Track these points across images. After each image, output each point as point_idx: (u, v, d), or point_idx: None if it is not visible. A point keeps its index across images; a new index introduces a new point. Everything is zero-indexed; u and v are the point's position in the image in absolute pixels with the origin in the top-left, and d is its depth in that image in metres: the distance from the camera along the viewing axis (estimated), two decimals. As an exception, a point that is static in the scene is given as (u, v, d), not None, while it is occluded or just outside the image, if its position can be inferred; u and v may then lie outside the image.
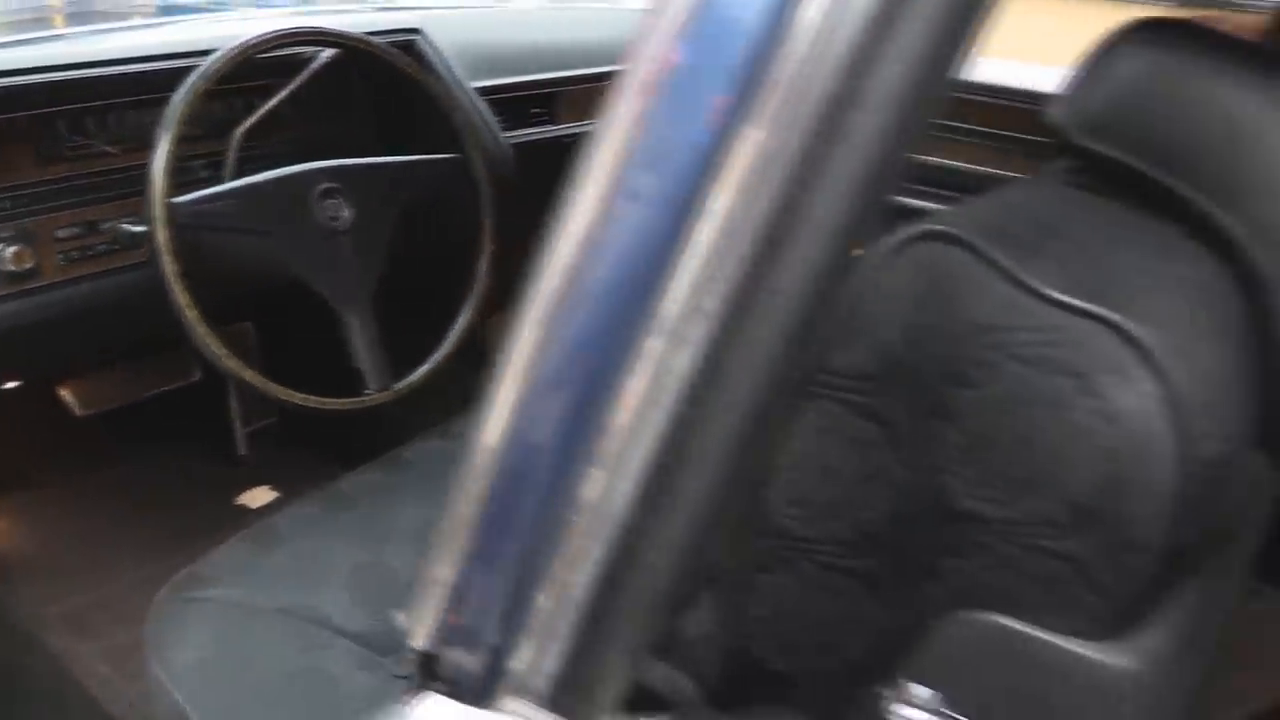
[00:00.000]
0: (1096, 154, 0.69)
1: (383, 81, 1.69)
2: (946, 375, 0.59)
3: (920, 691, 0.46)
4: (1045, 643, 0.62)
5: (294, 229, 1.41)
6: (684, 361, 0.41)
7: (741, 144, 0.40)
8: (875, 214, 0.43)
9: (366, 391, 1.47)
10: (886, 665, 0.67)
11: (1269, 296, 0.65)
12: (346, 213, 1.45)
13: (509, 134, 1.83)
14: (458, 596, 0.48)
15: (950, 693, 0.64)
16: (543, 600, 0.45)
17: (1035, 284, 0.58)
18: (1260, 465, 0.73)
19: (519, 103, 1.90)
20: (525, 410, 0.45)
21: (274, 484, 2.09)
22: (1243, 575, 0.88)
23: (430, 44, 1.76)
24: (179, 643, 1.19)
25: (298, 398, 1.44)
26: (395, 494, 1.38)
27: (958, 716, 0.46)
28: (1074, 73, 0.71)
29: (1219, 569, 0.71)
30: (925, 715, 0.45)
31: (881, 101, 0.40)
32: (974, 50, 0.42)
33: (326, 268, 1.44)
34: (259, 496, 2.06)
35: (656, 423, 0.42)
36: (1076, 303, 0.57)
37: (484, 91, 1.81)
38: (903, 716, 0.45)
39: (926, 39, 0.40)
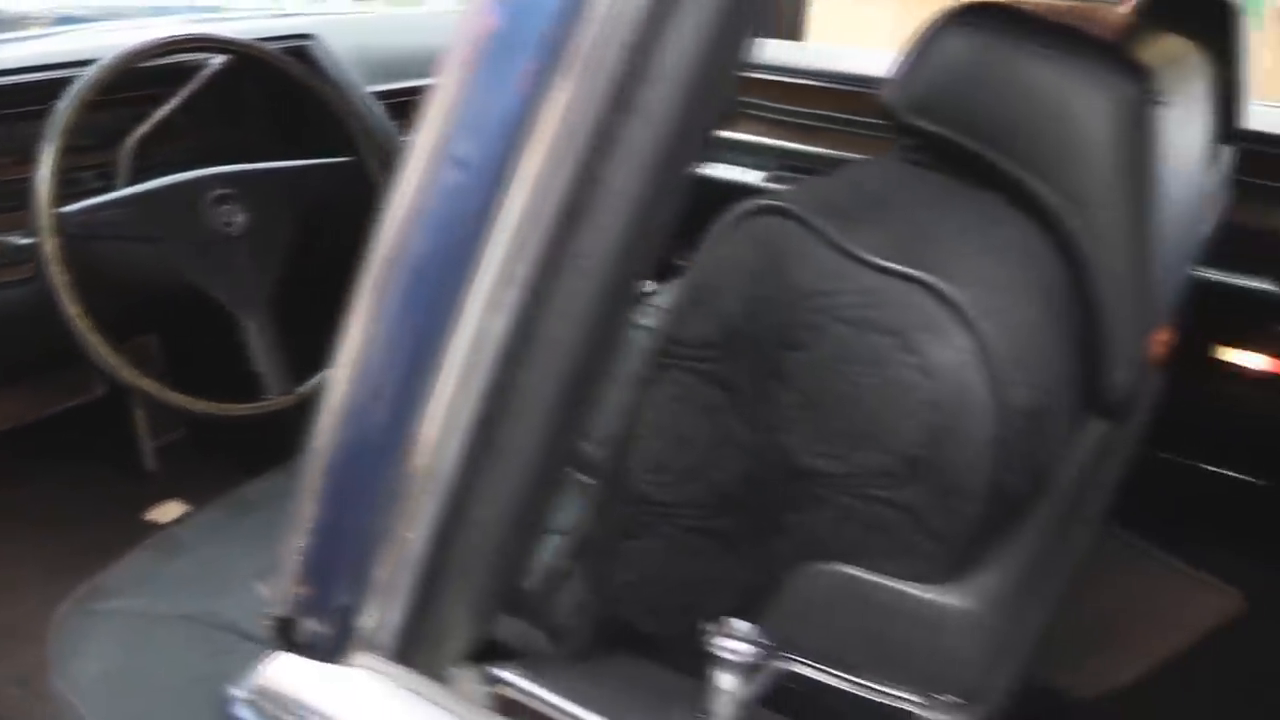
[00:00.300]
0: (925, 132, 0.74)
1: (278, 88, 1.69)
2: (781, 340, 0.63)
3: (739, 625, 0.49)
4: (888, 588, 0.66)
5: (186, 235, 1.41)
6: (500, 326, 0.44)
7: (547, 111, 0.43)
8: (677, 185, 0.46)
9: (267, 396, 1.48)
10: (745, 620, 0.70)
11: (1083, 258, 0.70)
12: (241, 218, 1.46)
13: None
14: (309, 563, 0.50)
15: (804, 639, 0.68)
16: (384, 560, 0.48)
17: (858, 251, 0.62)
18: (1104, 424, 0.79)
19: (417, 106, 1.92)
20: (359, 379, 0.47)
21: (184, 497, 2.07)
22: (1095, 525, 0.93)
23: (324, 49, 1.76)
24: (82, 656, 1.18)
25: (198, 405, 1.44)
26: (299, 497, 1.39)
27: (770, 643, 0.49)
28: (903, 56, 0.76)
29: (1057, 516, 0.76)
30: (744, 646, 0.49)
31: (671, 76, 0.43)
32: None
33: (221, 273, 1.44)
34: (169, 511, 2.04)
35: (478, 386, 0.45)
36: (895, 267, 0.61)
37: (382, 95, 1.82)
38: (725, 648, 0.49)
39: (712, 17, 0.43)
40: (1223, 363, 2.05)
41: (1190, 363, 2.08)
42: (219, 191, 1.46)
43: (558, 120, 0.42)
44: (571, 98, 0.42)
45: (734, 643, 0.49)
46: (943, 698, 0.67)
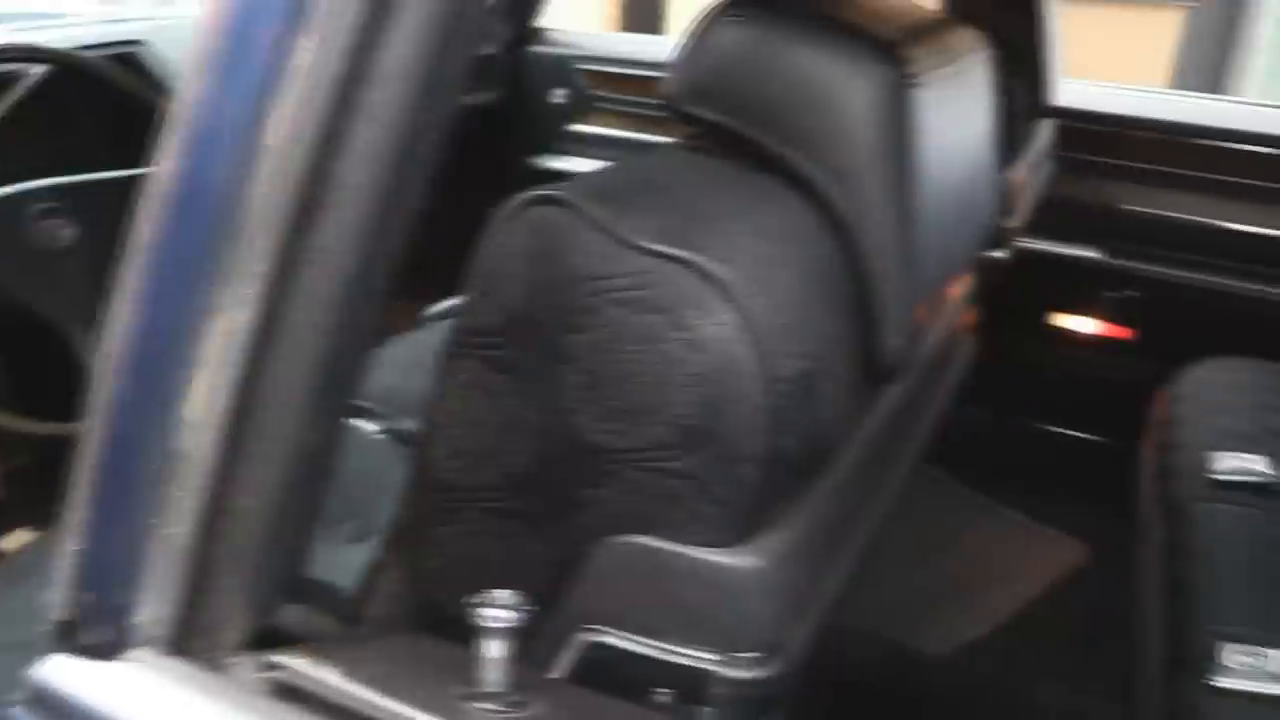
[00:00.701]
0: (704, 119, 0.77)
1: (105, 96, 1.66)
2: (560, 324, 0.66)
3: (500, 593, 0.52)
4: (682, 555, 0.69)
5: (10, 252, 1.37)
6: (246, 318, 0.46)
7: (276, 115, 0.44)
8: (415, 180, 0.48)
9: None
10: (554, 597, 0.73)
11: (851, 233, 0.74)
12: (69, 231, 1.42)
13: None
14: (83, 564, 0.51)
15: (609, 611, 0.71)
16: (152, 555, 0.49)
17: (628, 235, 0.65)
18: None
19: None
20: (119, 373, 0.48)
21: (34, 524, 2.01)
22: (901, 478, 0.98)
23: (154, 55, 1.73)
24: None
25: (44, 428, 1.41)
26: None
27: (530, 607, 0.52)
28: (680, 45, 0.79)
29: (849, 474, 0.80)
30: (506, 613, 0.51)
31: (395, 78, 0.45)
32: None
33: (49, 289, 1.41)
34: (18, 539, 1.97)
35: (229, 378, 0.46)
36: (664, 249, 0.64)
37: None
38: (487, 617, 0.51)
39: (430, 23, 0.45)
40: (1056, 328, 2.16)
41: (1025, 329, 2.19)
42: (44, 205, 1.42)
43: (287, 123, 0.44)
44: (297, 101, 0.44)
45: (495, 610, 0.52)
46: (741, 655, 0.71)
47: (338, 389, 0.49)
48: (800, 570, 0.73)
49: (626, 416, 0.66)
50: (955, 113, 0.89)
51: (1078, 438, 2.21)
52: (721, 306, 0.64)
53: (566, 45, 2.49)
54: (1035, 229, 2.05)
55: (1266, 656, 1.13)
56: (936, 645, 1.74)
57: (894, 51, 0.76)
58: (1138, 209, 2.05)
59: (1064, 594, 1.91)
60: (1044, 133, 1.89)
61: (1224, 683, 1.10)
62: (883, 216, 0.74)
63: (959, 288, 1.21)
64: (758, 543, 0.70)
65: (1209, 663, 1.13)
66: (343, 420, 0.53)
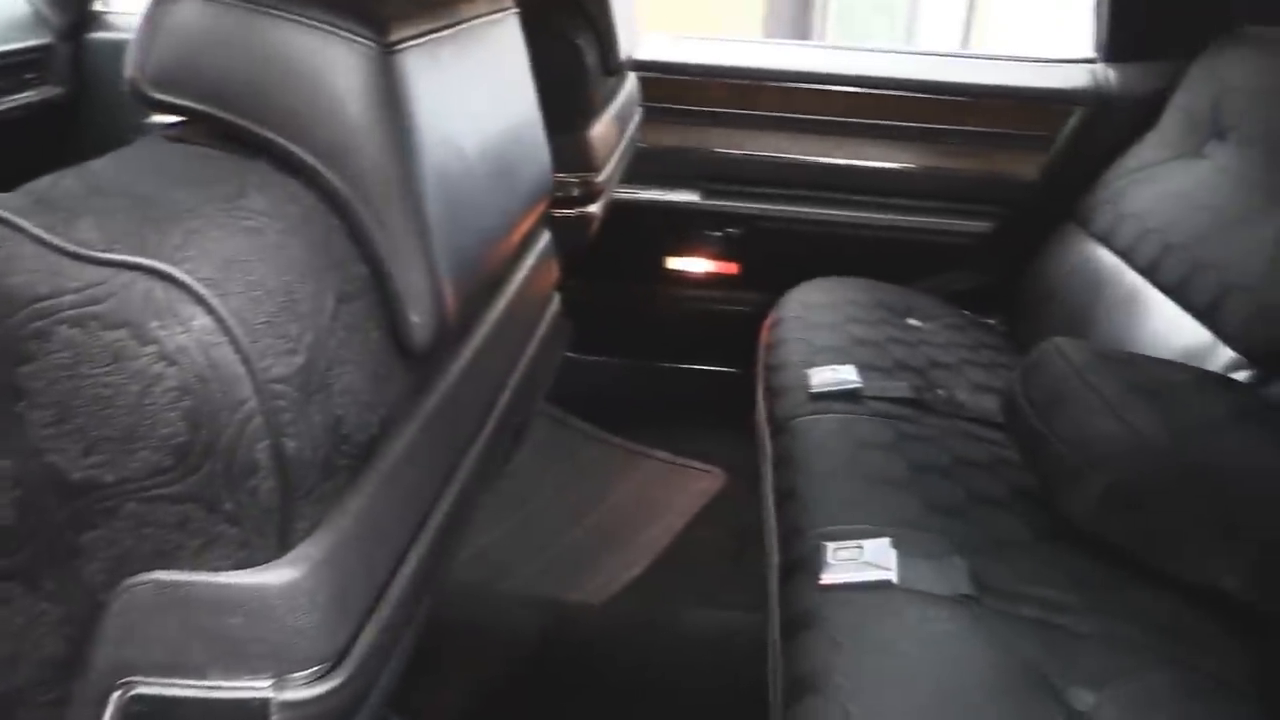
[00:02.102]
0: (175, 106, 0.71)
1: None
2: (9, 355, 0.58)
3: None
4: (206, 583, 0.64)
5: None
6: None
7: None
8: None
9: None
10: (78, 656, 0.65)
11: (351, 213, 0.71)
12: None
13: None
14: None
15: (142, 658, 0.64)
16: None
17: (75, 247, 0.58)
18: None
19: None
20: None
21: None
22: (471, 449, 0.97)
23: None
24: None
25: None
26: None
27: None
28: (138, 27, 0.72)
29: (398, 460, 0.77)
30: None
31: None
32: None
33: None
34: None
35: None
36: (118, 257, 0.58)
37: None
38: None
39: None
40: (671, 270, 2.26)
41: (642, 275, 2.27)
42: None
43: None
44: None
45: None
46: (296, 675, 0.66)
47: None
48: (349, 570, 0.69)
49: (110, 447, 0.59)
50: (465, 76, 0.87)
51: (705, 371, 2.33)
52: (191, 311, 0.58)
53: (131, 29, 2.27)
54: (638, 178, 2.12)
55: (863, 548, 1.23)
56: (594, 594, 1.79)
57: (375, 18, 0.73)
58: (728, 151, 2.17)
59: (708, 521, 2.01)
60: (628, 86, 1.94)
61: (830, 579, 1.19)
62: (384, 191, 0.71)
63: (530, 247, 1.21)
64: (293, 553, 0.66)
65: (817, 562, 1.21)
66: None
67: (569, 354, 2.22)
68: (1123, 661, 1.12)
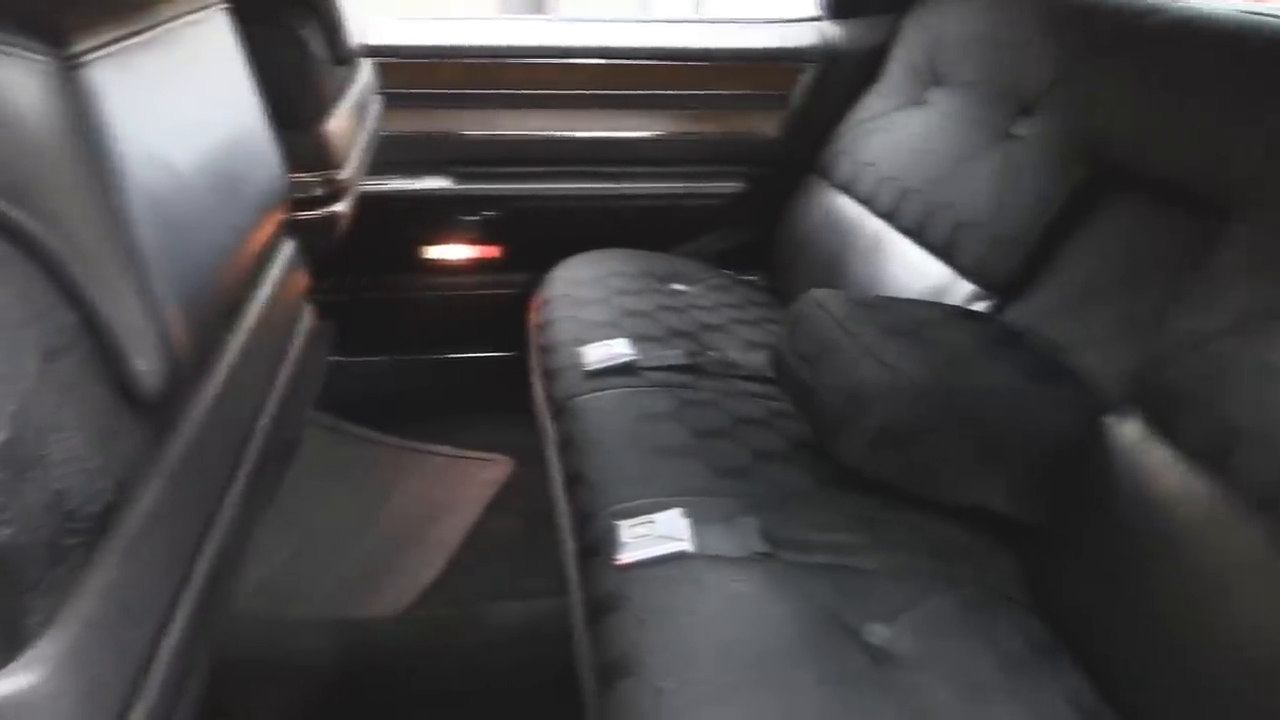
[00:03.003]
0: None
1: None
2: None
3: None
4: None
5: None
6: None
7: None
8: None
9: None
10: None
11: (46, 254, 0.63)
12: None
13: None
14: None
15: None
16: None
17: None
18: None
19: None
20: None
21: None
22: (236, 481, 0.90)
23: None
24: None
25: None
26: None
27: None
28: None
29: (141, 519, 0.69)
30: None
31: None
32: None
33: None
34: None
35: None
36: None
37: None
38: None
39: None
40: (434, 260, 2.19)
41: (404, 268, 2.20)
42: None
43: None
44: None
45: None
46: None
47: None
48: (99, 661, 0.62)
49: None
50: (169, 84, 0.79)
51: (479, 358, 2.28)
52: None
53: None
54: (386, 169, 2.04)
55: (654, 522, 1.23)
56: (391, 605, 1.72)
57: (50, 29, 0.64)
58: (476, 133, 2.12)
59: (499, 510, 1.98)
60: (363, 74, 1.85)
61: (627, 558, 1.18)
62: (85, 225, 0.63)
63: (271, 258, 1.13)
64: (26, 656, 0.58)
65: (612, 543, 1.21)
66: None
67: (334, 358, 2.12)
68: (910, 591, 1.17)
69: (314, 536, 1.86)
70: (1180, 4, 1.51)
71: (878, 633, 1.11)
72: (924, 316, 1.40)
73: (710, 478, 1.31)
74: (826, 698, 0.99)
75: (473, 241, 2.18)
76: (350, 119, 1.63)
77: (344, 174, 1.54)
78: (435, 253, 2.18)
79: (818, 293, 1.42)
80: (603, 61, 2.11)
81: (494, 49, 2.08)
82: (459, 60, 2.06)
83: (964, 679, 1.05)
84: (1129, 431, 1.22)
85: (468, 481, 2.06)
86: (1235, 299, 1.16)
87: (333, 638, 1.64)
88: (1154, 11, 1.49)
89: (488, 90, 2.08)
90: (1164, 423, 1.19)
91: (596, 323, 1.74)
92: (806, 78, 2.14)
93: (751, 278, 2.17)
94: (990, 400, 1.26)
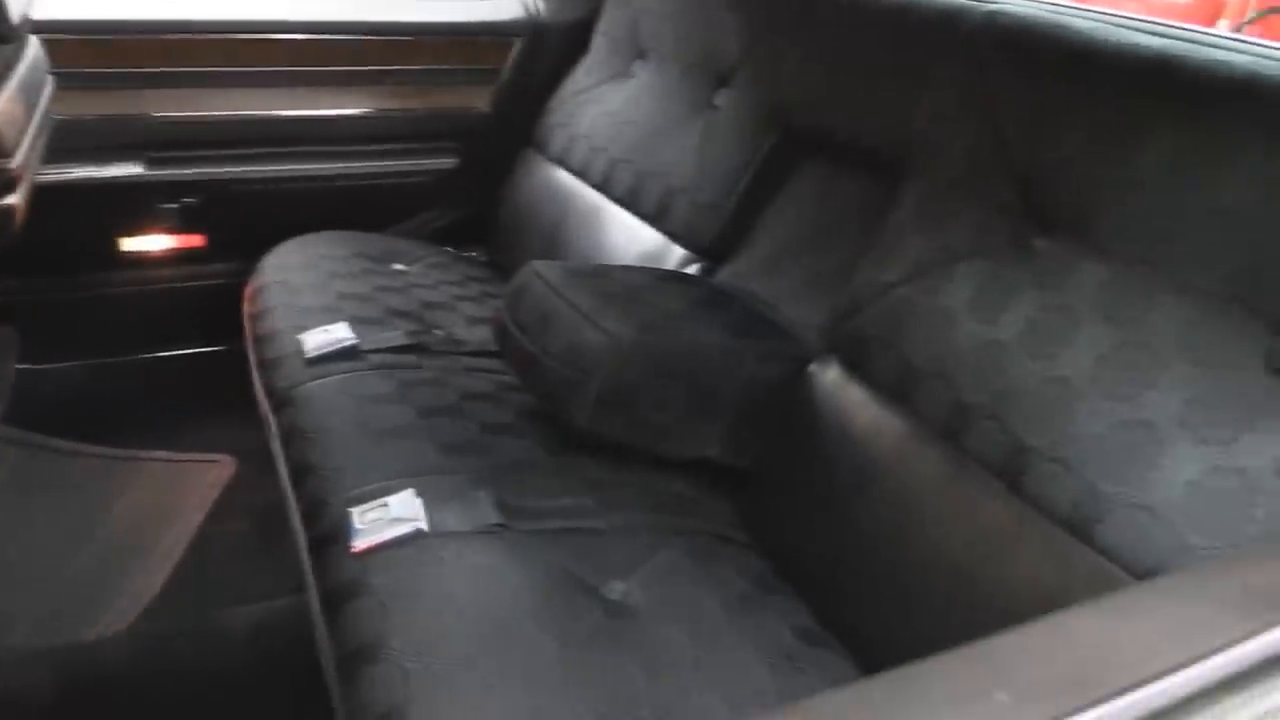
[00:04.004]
0: None
1: None
2: None
3: None
4: None
5: None
6: None
7: None
8: None
9: None
10: None
11: None
12: None
13: None
14: None
15: None
16: None
17: None
18: None
19: None
20: None
21: None
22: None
23: None
24: None
25: None
26: None
27: None
28: None
29: None
30: None
31: None
32: None
33: None
34: None
35: None
36: None
37: None
38: None
39: None
40: (131, 253, 2.05)
41: (98, 264, 2.04)
42: None
43: None
44: None
45: None
46: None
47: None
48: None
49: None
50: None
51: (191, 354, 2.16)
52: None
53: None
54: (68, 156, 1.88)
55: (388, 505, 1.21)
56: (115, 623, 1.61)
57: None
58: (170, 114, 1.98)
59: (227, 512, 1.89)
60: (31, 53, 1.69)
61: (362, 544, 1.16)
62: None
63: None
64: None
65: (347, 530, 1.18)
66: None
67: (24, 366, 1.94)
68: (641, 547, 1.23)
69: (20, 561, 1.70)
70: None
71: (616, 589, 1.16)
72: (637, 282, 1.46)
73: (440, 455, 1.31)
74: (568, 656, 1.02)
75: (174, 231, 2.05)
76: (16, 103, 1.49)
77: (14, 163, 1.40)
78: (133, 245, 2.03)
79: (536, 264, 1.44)
80: (306, 37, 2.03)
81: (183, 24, 1.96)
82: (146, 36, 1.93)
83: (695, 622, 1.12)
84: (830, 376, 1.33)
85: (190, 486, 1.95)
86: (910, 250, 1.28)
87: (50, 666, 1.52)
88: (829, -13, 1.61)
89: (182, 68, 1.96)
90: (858, 366, 1.30)
91: (314, 308, 1.69)
92: (515, 52, 2.15)
93: (472, 254, 2.16)
94: (699, 356, 1.33)
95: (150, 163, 1.97)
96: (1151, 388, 0.99)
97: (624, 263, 1.74)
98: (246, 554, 1.78)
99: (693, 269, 1.64)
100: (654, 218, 1.75)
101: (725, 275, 1.59)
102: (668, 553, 1.22)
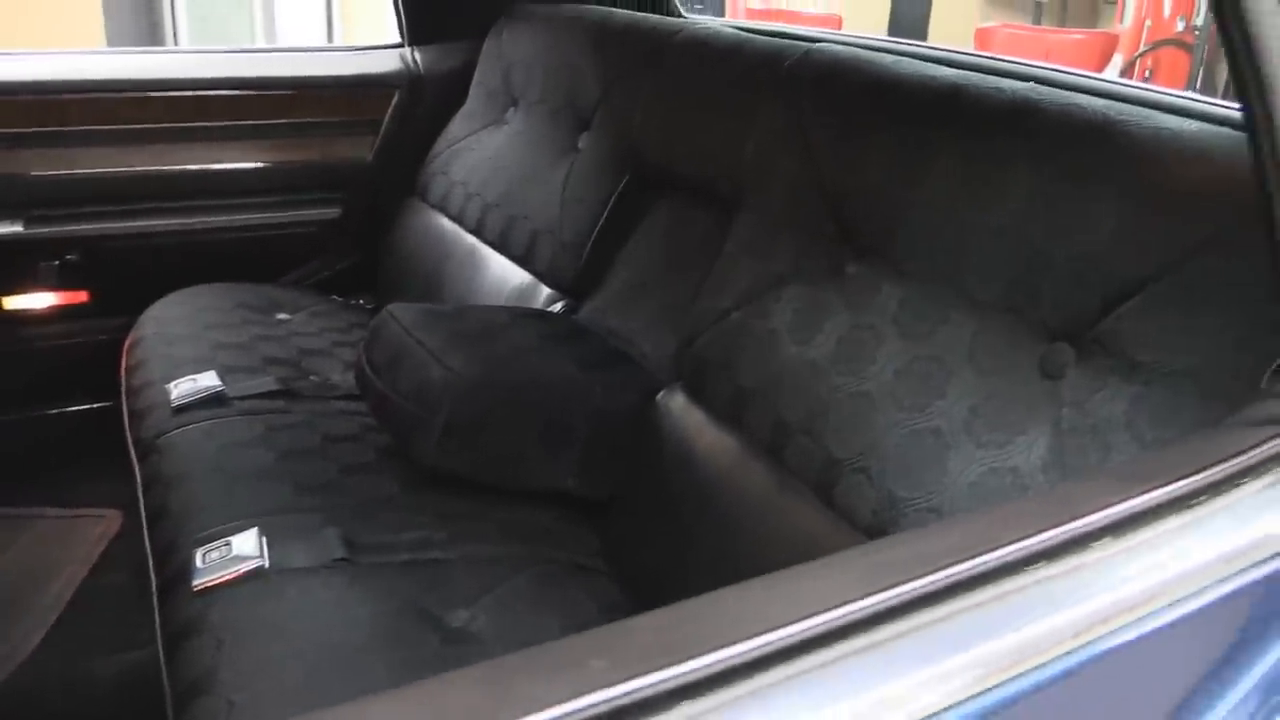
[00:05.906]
0: None
1: None
2: None
3: None
4: None
5: None
6: None
7: None
8: None
9: None
10: None
11: None
12: None
13: None
14: None
15: None
16: None
17: None
18: None
19: None
20: None
21: None
22: None
23: None
24: None
25: None
26: None
27: None
28: None
29: None
30: None
31: None
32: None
33: None
34: None
35: None
36: None
37: None
38: None
39: None
40: (10, 312, 2.05)
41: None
42: None
43: None
44: None
45: None
46: None
47: None
48: None
49: None
50: None
51: (76, 411, 2.15)
52: None
53: None
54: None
55: (231, 544, 1.23)
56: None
57: None
58: (49, 173, 2.00)
59: (110, 566, 1.88)
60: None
61: (202, 582, 1.17)
62: None
63: None
64: None
65: (190, 571, 1.20)
66: None
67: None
68: (489, 576, 1.25)
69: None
70: (698, 22, 1.71)
71: (459, 616, 1.18)
72: (494, 320, 1.50)
73: (294, 496, 1.33)
74: (396, 680, 1.04)
75: (57, 288, 2.05)
76: None
77: None
78: (13, 304, 2.03)
79: (393, 306, 1.48)
80: (187, 94, 2.07)
81: (62, 84, 1.98)
82: (22, 96, 1.95)
83: (531, 645, 1.14)
84: (676, 403, 1.38)
85: (74, 541, 1.94)
86: (741, 277, 1.34)
87: None
88: (679, 30, 1.68)
89: (62, 128, 1.98)
90: (698, 391, 1.35)
91: (187, 359, 1.71)
92: (394, 102, 2.20)
93: (359, 301, 2.19)
94: (546, 389, 1.37)
95: (30, 220, 1.99)
96: (941, 397, 1.04)
97: (497, 303, 1.78)
98: (126, 605, 1.78)
99: (557, 307, 1.69)
100: (523, 259, 1.79)
101: (586, 311, 1.63)
102: (516, 581, 1.25)
